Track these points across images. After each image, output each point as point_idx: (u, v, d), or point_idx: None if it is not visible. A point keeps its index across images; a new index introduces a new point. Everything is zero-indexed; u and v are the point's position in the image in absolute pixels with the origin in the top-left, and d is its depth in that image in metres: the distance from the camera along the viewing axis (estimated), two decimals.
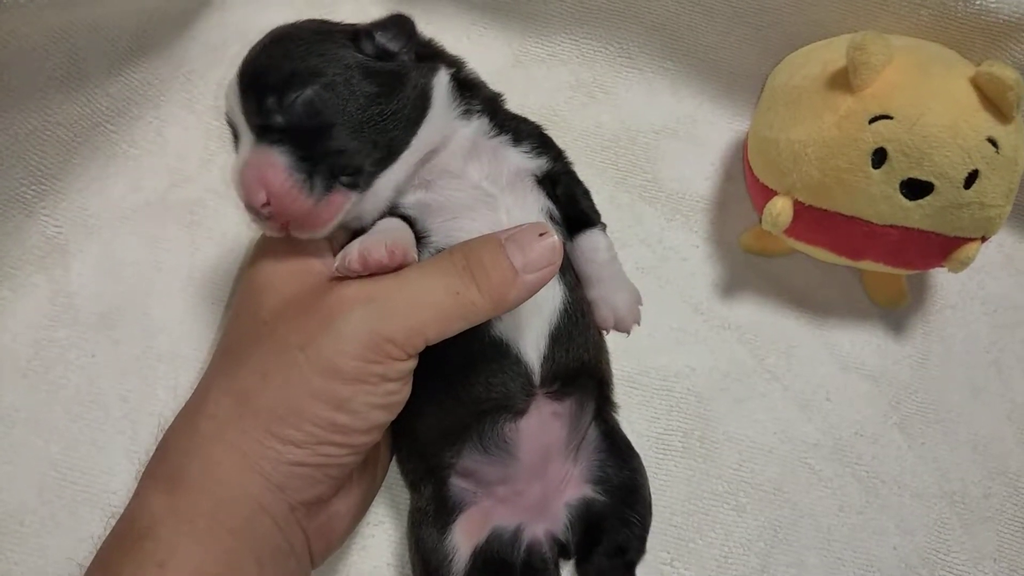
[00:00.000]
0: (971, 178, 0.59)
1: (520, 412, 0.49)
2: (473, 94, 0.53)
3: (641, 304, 0.55)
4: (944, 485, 0.66)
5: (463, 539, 0.50)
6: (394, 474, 0.59)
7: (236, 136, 0.46)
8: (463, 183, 0.50)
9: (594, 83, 0.78)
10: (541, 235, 0.44)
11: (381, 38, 0.47)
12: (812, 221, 0.64)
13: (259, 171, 0.43)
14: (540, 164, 0.53)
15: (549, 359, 0.49)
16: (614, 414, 0.59)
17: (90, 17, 0.65)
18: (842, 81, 0.62)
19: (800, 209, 0.63)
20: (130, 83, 0.70)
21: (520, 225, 0.45)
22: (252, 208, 0.43)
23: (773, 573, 0.62)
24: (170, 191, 0.69)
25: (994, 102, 0.59)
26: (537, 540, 0.52)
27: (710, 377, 0.68)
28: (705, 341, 0.69)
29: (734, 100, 0.77)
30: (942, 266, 0.64)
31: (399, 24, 0.48)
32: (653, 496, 0.58)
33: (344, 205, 0.44)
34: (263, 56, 0.46)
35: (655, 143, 0.76)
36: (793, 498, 0.64)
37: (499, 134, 0.52)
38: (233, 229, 0.67)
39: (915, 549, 0.63)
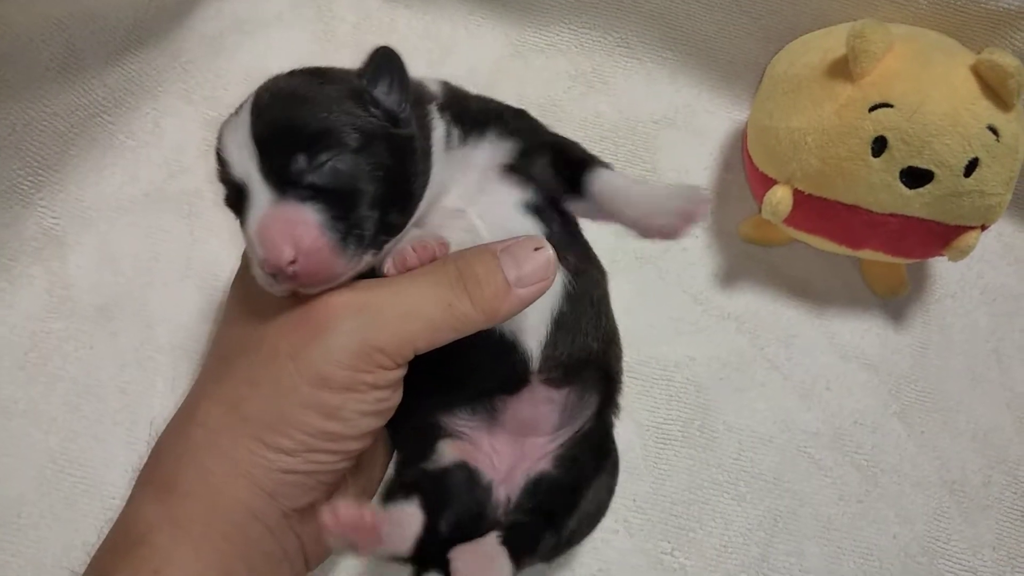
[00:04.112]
0: (971, 166, 0.59)
1: (513, 392, 0.49)
2: (452, 117, 0.50)
3: (700, 189, 0.47)
4: (943, 474, 0.66)
5: (448, 450, 0.50)
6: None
7: (239, 192, 0.43)
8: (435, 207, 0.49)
9: (593, 73, 0.77)
10: (537, 249, 0.43)
11: (380, 94, 0.45)
12: (812, 210, 0.64)
13: (290, 227, 0.40)
14: (507, 150, 0.51)
15: (551, 346, 0.48)
16: (614, 418, 0.56)
17: (87, 7, 0.65)
18: (842, 69, 0.61)
19: (800, 198, 0.63)
20: (127, 73, 0.69)
21: (516, 237, 0.44)
22: (276, 266, 0.40)
23: (773, 562, 0.62)
24: (168, 182, 0.69)
25: (994, 90, 0.59)
26: (499, 500, 0.50)
27: (710, 367, 0.67)
28: (705, 331, 0.69)
29: (733, 89, 0.77)
30: (942, 255, 0.64)
31: (391, 70, 0.45)
32: (653, 486, 0.58)
33: (365, 263, 0.43)
34: (282, 111, 0.43)
35: (654, 133, 0.76)
36: (793, 487, 0.64)
37: (465, 138, 0.51)
38: (231, 220, 0.67)
39: (915, 538, 0.63)
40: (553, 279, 0.43)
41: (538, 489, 0.50)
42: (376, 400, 0.42)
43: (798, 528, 0.63)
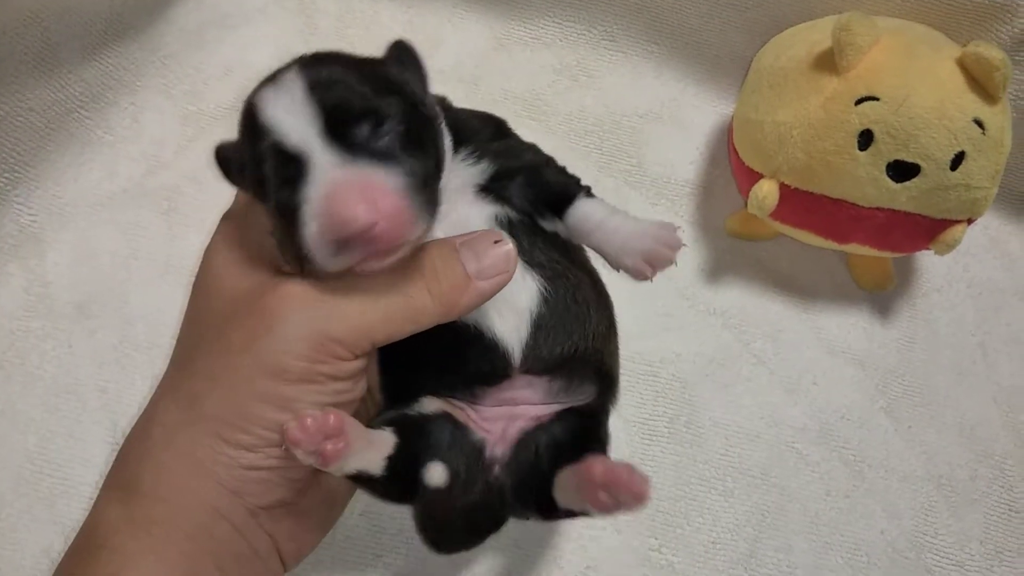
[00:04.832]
0: (957, 160, 0.59)
1: (494, 384, 0.48)
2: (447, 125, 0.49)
3: (675, 230, 0.46)
4: (931, 468, 0.66)
5: (430, 403, 0.48)
6: None
7: (287, 161, 0.39)
8: None
9: (578, 66, 0.77)
10: (496, 242, 0.43)
11: (408, 80, 0.44)
12: (798, 204, 0.63)
13: (368, 190, 0.38)
14: (480, 171, 0.49)
15: (531, 346, 0.47)
16: (611, 407, 0.54)
17: (63, 0, 0.64)
18: (828, 63, 0.61)
19: (786, 192, 0.63)
20: (105, 68, 0.68)
21: (475, 231, 0.44)
22: (355, 230, 0.37)
23: (761, 558, 0.61)
24: (146, 178, 0.68)
25: (980, 83, 0.59)
26: (494, 457, 0.49)
27: (696, 362, 0.67)
28: (691, 326, 0.68)
29: (719, 83, 0.77)
30: (928, 248, 0.64)
31: (412, 61, 0.46)
32: None
33: (427, 232, 0.42)
34: (342, 77, 0.41)
35: (639, 127, 0.75)
36: (780, 483, 0.64)
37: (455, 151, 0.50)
38: (211, 216, 0.65)
39: (902, 532, 0.63)
40: (513, 272, 0.43)
41: (534, 440, 0.48)
42: (335, 392, 0.41)
43: (786, 523, 0.63)
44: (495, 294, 0.43)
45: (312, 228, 0.38)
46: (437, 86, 0.73)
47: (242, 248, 0.45)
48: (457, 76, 0.74)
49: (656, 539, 0.61)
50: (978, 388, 0.70)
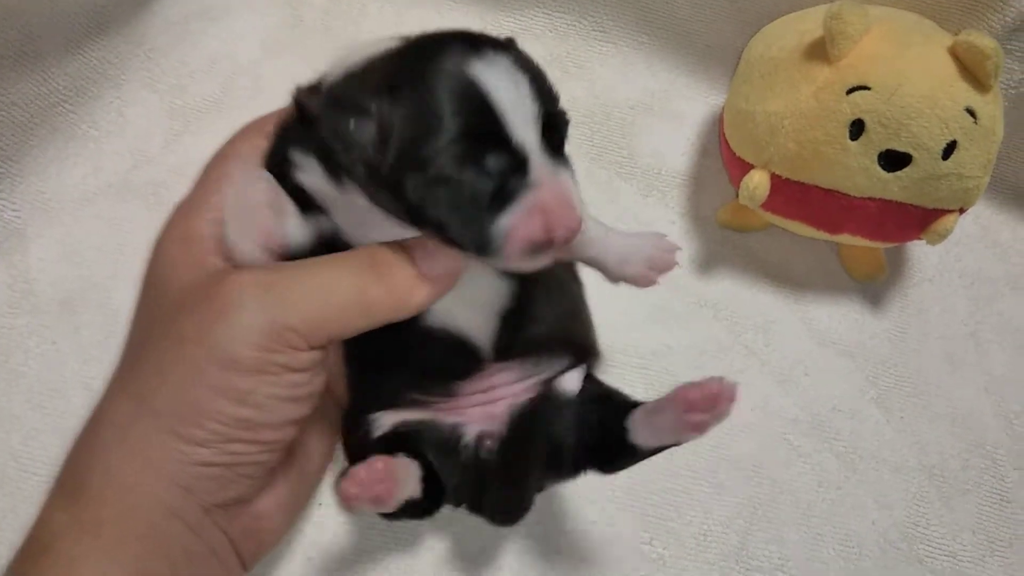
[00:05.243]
0: (949, 149, 0.59)
1: (465, 378, 0.48)
2: None
3: (667, 237, 0.50)
4: (922, 459, 0.66)
5: (388, 418, 0.48)
6: None
7: (498, 147, 0.38)
8: None
9: (568, 58, 0.76)
10: None
11: None
12: (789, 195, 0.63)
13: (575, 202, 0.39)
14: None
15: (501, 338, 0.47)
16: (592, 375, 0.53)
17: None
18: (819, 52, 0.61)
19: (777, 183, 0.62)
20: (89, 61, 0.67)
21: None
22: (572, 233, 0.38)
23: (752, 550, 0.61)
24: (132, 172, 0.67)
25: (972, 72, 0.59)
26: (477, 437, 0.49)
27: (687, 355, 0.67)
28: (681, 318, 0.68)
29: (710, 74, 0.76)
30: (920, 238, 0.64)
31: None
32: (630, 476, 0.57)
33: None
34: (543, 76, 0.41)
35: (630, 118, 0.75)
36: (772, 474, 0.64)
37: None
38: None
39: (894, 523, 0.63)
40: (463, 270, 0.43)
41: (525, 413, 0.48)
42: (292, 385, 0.40)
43: (777, 516, 0.62)
44: (447, 292, 0.43)
45: (518, 223, 0.38)
46: None
47: (194, 239, 0.44)
48: None
49: (647, 532, 0.61)
50: (970, 378, 0.70)
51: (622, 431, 0.47)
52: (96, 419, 0.42)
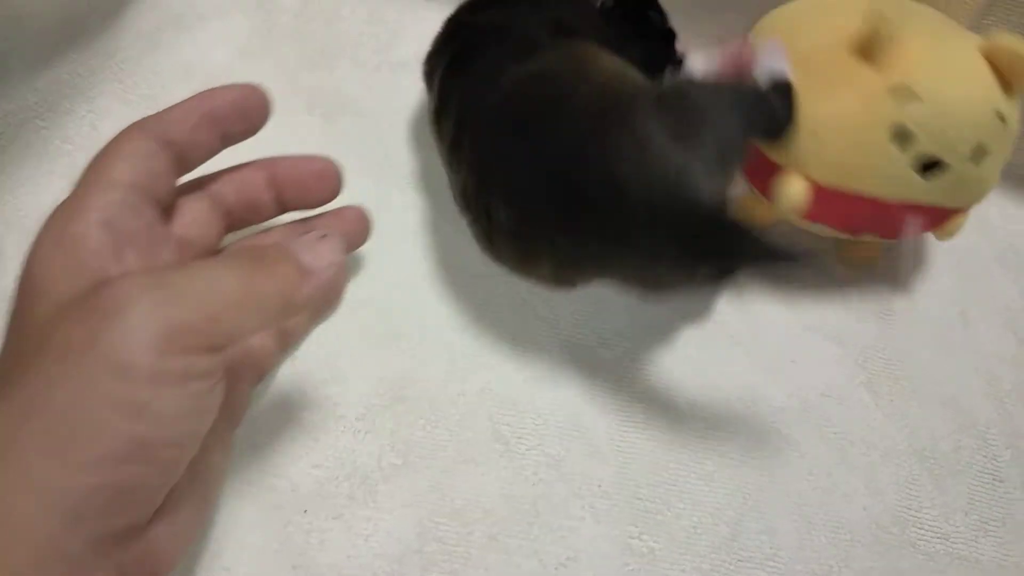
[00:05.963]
0: (979, 152, 0.58)
1: None
2: None
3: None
4: (913, 442, 0.65)
5: None
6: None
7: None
8: None
9: None
10: (323, 236, 0.43)
11: None
12: (828, 201, 0.61)
13: None
14: None
15: None
16: None
17: (10, 7, 0.63)
18: (858, 51, 0.59)
19: (815, 189, 0.60)
20: (59, 75, 0.67)
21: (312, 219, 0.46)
22: None
23: (744, 541, 0.61)
24: None
25: (1004, 74, 0.58)
26: None
27: (671, 346, 0.66)
28: (663, 309, 0.67)
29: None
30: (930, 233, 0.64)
31: None
32: (618, 469, 0.57)
33: None
34: None
35: None
36: (761, 464, 0.63)
37: None
38: None
39: (885, 508, 0.63)
40: (343, 261, 0.43)
41: None
42: (192, 395, 0.37)
43: (768, 505, 0.62)
44: (334, 285, 0.44)
45: None
46: (398, 78, 0.72)
47: (77, 243, 0.41)
48: (419, 67, 0.73)
49: (636, 527, 0.60)
50: (960, 358, 0.69)
51: None
52: None
